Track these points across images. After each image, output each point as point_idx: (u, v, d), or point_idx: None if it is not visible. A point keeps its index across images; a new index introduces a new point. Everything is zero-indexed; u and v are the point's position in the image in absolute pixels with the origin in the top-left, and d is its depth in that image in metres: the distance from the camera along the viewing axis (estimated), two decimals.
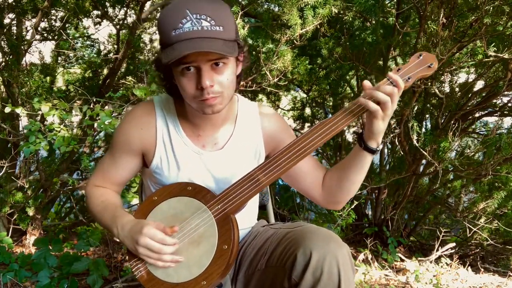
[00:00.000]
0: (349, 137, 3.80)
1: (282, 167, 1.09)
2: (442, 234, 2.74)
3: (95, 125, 2.26)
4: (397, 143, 2.77)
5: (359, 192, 2.93)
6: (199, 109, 1.11)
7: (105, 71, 3.67)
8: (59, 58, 3.55)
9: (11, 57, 2.84)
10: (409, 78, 1.06)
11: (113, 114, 2.65)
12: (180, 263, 1.10)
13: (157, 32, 2.75)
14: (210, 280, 1.07)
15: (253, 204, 1.40)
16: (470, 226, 2.76)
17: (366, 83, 1.06)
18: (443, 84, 2.65)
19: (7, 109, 2.23)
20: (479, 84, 2.90)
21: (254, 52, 2.72)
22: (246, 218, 1.34)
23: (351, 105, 1.07)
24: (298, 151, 1.09)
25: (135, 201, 2.72)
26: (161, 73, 1.18)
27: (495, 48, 2.14)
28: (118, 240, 1.17)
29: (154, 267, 1.12)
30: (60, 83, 3.73)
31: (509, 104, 2.97)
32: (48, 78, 3.23)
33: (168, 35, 1.01)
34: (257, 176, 1.10)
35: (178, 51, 0.99)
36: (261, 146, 1.30)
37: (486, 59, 2.34)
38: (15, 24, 3.09)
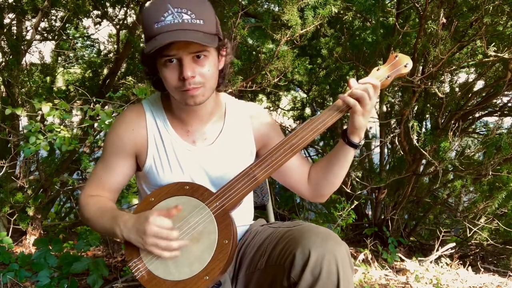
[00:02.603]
0: None
1: (276, 162, 1.15)
2: (442, 234, 2.74)
3: (95, 125, 2.27)
4: (397, 143, 2.77)
5: (359, 192, 2.93)
6: (182, 100, 1.15)
7: (105, 71, 3.68)
8: (59, 58, 3.55)
9: (11, 57, 2.84)
10: (388, 77, 1.19)
11: (113, 114, 2.65)
12: (180, 261, 1.10)
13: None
14: (212, 275, 1.07)
15: (248, 201, 1.40)
16: (470, 226, 2.76)
17: (351, 80, 1.16)
18: (443, 84, 2.64)
19: (8, 111, 2.23)
20: (479, 84, 2.90)
21: (254, 52, 2.72)
22: (243, 215, 1.35)
23: (337, 102, 1.17)
24: (291, 147, 1.16)
25: (135, 201, 2.71)
26: (147, 67, 1.22)
27: (495, 48, 2.14)
28: (121, 239, 1.15)
29: (154, 266, 1.11)
30: (60, 83, 3.74)
31: (509, 104, 2.98)
32: (48, 78, 3.23)
33: (151, 28, 1.06)
34: (253, 172, 1.15)
35: (159, 41, 1.03)
36: (252, 143, 1.33)
37: (486, 59, 2.34)
38: (15, 24, 3.10)
